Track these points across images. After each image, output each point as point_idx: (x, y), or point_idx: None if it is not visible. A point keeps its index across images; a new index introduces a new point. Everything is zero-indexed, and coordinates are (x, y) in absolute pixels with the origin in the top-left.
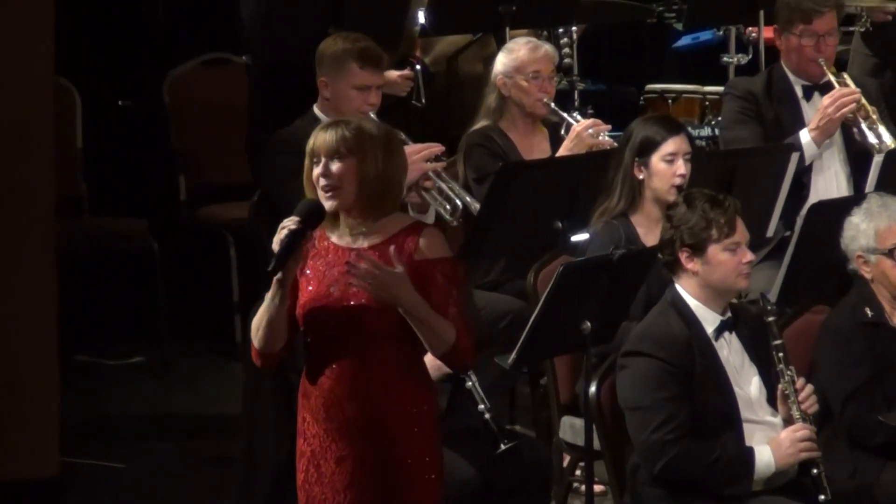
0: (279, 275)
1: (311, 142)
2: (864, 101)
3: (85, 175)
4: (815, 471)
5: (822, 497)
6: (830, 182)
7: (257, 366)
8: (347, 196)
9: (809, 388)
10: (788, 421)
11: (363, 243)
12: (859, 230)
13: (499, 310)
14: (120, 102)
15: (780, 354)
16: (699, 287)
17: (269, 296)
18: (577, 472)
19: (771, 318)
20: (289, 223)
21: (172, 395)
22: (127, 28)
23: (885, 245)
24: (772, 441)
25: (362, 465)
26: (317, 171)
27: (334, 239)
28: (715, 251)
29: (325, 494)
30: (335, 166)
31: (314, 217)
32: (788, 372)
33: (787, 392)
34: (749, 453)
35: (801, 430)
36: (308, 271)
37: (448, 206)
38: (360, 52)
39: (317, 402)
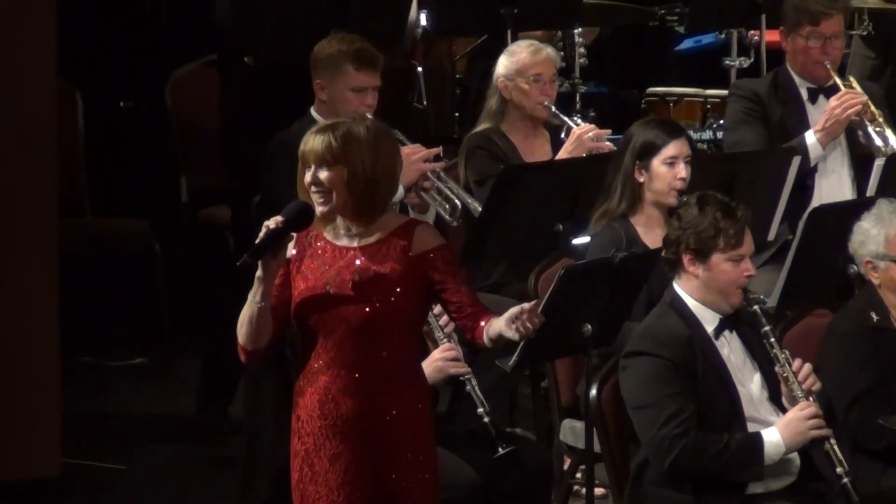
0: (259, 272)
1: (301, 146)
2: (870, 103)
3: (87, 176)
4: (826, 445)
5: (840, 470)
6: (834, 185)
7: (242, 361)
8: (338, 201)
9: (808, 366)
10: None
11: (358, 243)
12: (869, 236)
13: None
14: (122, 104)
15: (772, 340)
16: (698, 290)
17: (251, 292)
18: (578, 475)
19: (755, 307)
20: (270, 222)
21: (174, 397)
22: (129, 29)
23: (894, 252)
24: (779, 422)
25: (356, 463)
26: (307, 177)
27: (330, 238)
28: (718, 260)
29: (319, 493)
30: (323, 174)
31: (301, 219)
32: (782, 354)
33: (785, 374)
34: (757, 437)
35: (806, 409)
36: (304, 270)
37: (447, 207)
38: (355, 54)
39: (311, 400)
